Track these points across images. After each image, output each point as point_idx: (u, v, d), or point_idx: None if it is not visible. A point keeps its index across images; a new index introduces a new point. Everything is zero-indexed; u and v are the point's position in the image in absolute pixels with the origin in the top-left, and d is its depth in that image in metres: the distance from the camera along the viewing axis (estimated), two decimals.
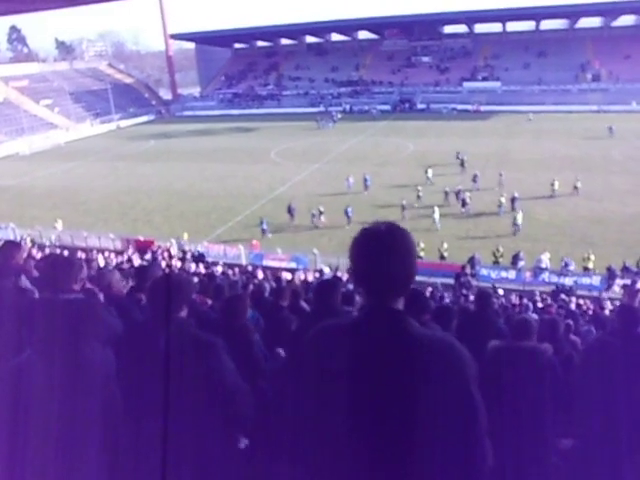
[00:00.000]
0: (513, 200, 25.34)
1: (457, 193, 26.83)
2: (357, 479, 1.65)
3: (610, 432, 3.54)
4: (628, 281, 17.52)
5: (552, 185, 27.65)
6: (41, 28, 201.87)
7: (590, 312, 13.18)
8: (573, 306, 13.69)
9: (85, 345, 2.83)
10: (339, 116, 57.51)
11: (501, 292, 15.92)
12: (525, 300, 14.38)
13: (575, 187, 27.55)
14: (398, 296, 1.72)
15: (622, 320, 3.84)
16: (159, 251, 22.18)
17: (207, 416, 2.51)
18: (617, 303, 14.84)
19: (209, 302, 6.73)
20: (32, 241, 23.29)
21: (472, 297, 13.95)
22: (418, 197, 27.21)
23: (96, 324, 2.95)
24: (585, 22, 68.77)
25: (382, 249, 1.66)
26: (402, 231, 1.72)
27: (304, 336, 2.70)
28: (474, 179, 29.29)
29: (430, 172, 31.09)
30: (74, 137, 61.89)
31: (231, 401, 2.59)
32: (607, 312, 13.20)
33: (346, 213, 24.94)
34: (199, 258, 21.35)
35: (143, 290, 5.58)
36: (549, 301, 14.60)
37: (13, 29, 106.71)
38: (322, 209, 25.55)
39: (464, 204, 25.84)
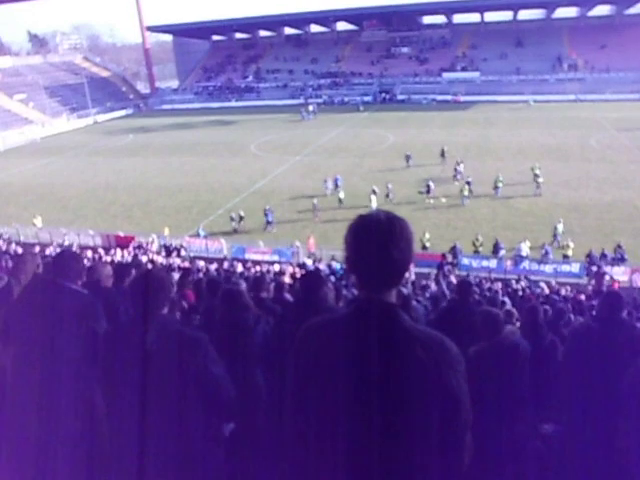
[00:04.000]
0: (468, 184, 26.49)
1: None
2: (347, 471, 1.64)
3: (591, 416, 3.59)
4: (602, 268, 17.93)
5: (457, 164, 28.56)
6: (13, 21, 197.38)
7: (558, 296, 13.38)
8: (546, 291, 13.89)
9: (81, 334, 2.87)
10: (310, 108, 57.19)
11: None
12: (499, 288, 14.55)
13: (535, 174, 27.74)
14: (392, 287, 1.69)
15: (606, 306, 3.89)
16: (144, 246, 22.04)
17: (192, 408, 2.53)
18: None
19: (192, 297, 6.64)
20: (9, 239, 22.92)
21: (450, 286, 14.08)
22: (339, 201, 26.07)
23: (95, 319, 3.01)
24: (562, 12, 69.46)
25: (379, 238, 1.61)
26: (400, 220, 1.67)
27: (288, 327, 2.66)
28: (455, 172, 29.32)
29: (462, 166, 29.44)
30: (50, 132, 60.73)
31: (217, 393, 2.62)
32: (582, 297, 13.45)
33: (266, 216, 24.29)
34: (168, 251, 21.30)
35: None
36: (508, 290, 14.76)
37: None
38: (242, 214, 24.63)
39: (428, 191, 26.22)
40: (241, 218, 24.51)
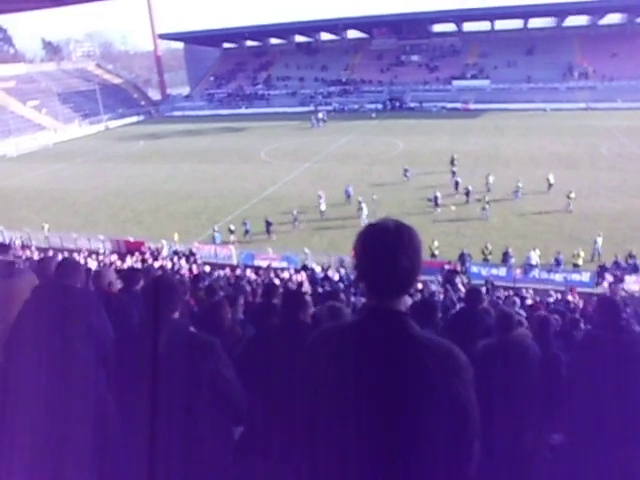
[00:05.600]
0: (467, 193, 26.69)
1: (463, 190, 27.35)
2: (355, 478, 1.65)
3: (597, 426, 3.57)
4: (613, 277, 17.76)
5: (486, 178, 28.24)
6: (28, 28, 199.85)
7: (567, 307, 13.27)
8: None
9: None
10: (320, 115, 57.41)
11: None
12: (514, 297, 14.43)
13: (549, 184, 27.70)
14: (400, 295, 1.70)
15: (607, 313, 3.88)
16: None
17: (205, 411, 2.56)
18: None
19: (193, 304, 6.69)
20: (22, 243, 23.18)
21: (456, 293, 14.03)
22: (320, 213, 26.12)
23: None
24: (572, 20, 69.25)
25: (388, 246, 1.63)
26: (409, 229, 1.69)
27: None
28: (456, 185, 28.58)
29: (491, 178, 28.43)
30: (62, 138, 61.40)
31: (228, 396, 2.65)
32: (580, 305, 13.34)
33: (244, 225, 24.51)
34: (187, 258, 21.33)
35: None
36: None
37: None
38: (233, 227, 24.40)
39: (436, 203, 25.94)
40: (231, 232, 24.25)
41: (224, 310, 4.01)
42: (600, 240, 20.28)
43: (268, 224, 24.39)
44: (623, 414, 3.47)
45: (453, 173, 29.99)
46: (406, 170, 31.83)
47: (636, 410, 3.44)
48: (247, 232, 24.47)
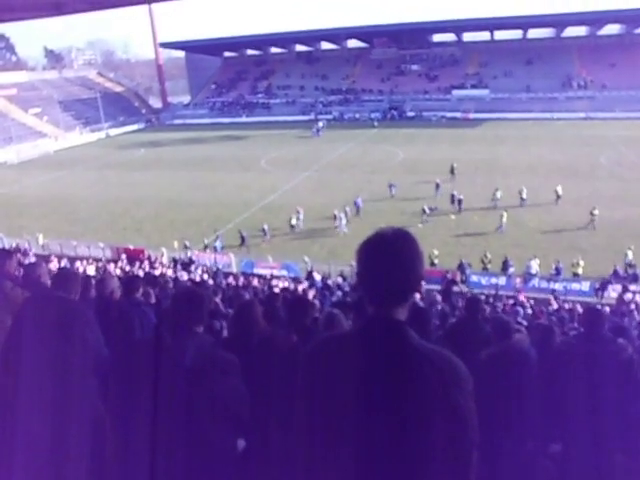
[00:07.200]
0: (460, 202, 26.78)
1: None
2: None
3: (577, 434, 3.58)
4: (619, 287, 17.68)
5: (494, 194, 27.57)
6: (30, 36, 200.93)
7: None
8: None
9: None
10: (320, 124, 57.69)
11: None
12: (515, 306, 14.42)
13: (557, 195, 27.65)
14: (401, 304, 1.69)
15: (587, 322, 3.90)
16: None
17: (218, 426, 2.56)
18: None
19: None
20: (24, 251, 23.16)
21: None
22: (291, 226, 26.04)
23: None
24: (571, 31, 69.74)
25: (386, 255, 1.63)
26: (409, 237, 1.68)
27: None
28: (452, 198, 27.75)
29: (499, 193, 27.56)
30: (63, 146, 61.56)
31: (242, 412, 2.67)
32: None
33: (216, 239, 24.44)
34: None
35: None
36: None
37: (1, 37, 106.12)
38: (207, 242, 24.38)
39: (423, 212, 25.83)
40: (206, 247, 24.13)
41: (256, 309, 4.03)
42: (631, 253, 19.65)
43: (242, 238, 24.25)
44: (599, 420, 3.48)
45: (437, 185, 29.33)
46: (391, 185, 30.78)
47: (608, 421, 3.45)
48: (215, 249, 24.00)
